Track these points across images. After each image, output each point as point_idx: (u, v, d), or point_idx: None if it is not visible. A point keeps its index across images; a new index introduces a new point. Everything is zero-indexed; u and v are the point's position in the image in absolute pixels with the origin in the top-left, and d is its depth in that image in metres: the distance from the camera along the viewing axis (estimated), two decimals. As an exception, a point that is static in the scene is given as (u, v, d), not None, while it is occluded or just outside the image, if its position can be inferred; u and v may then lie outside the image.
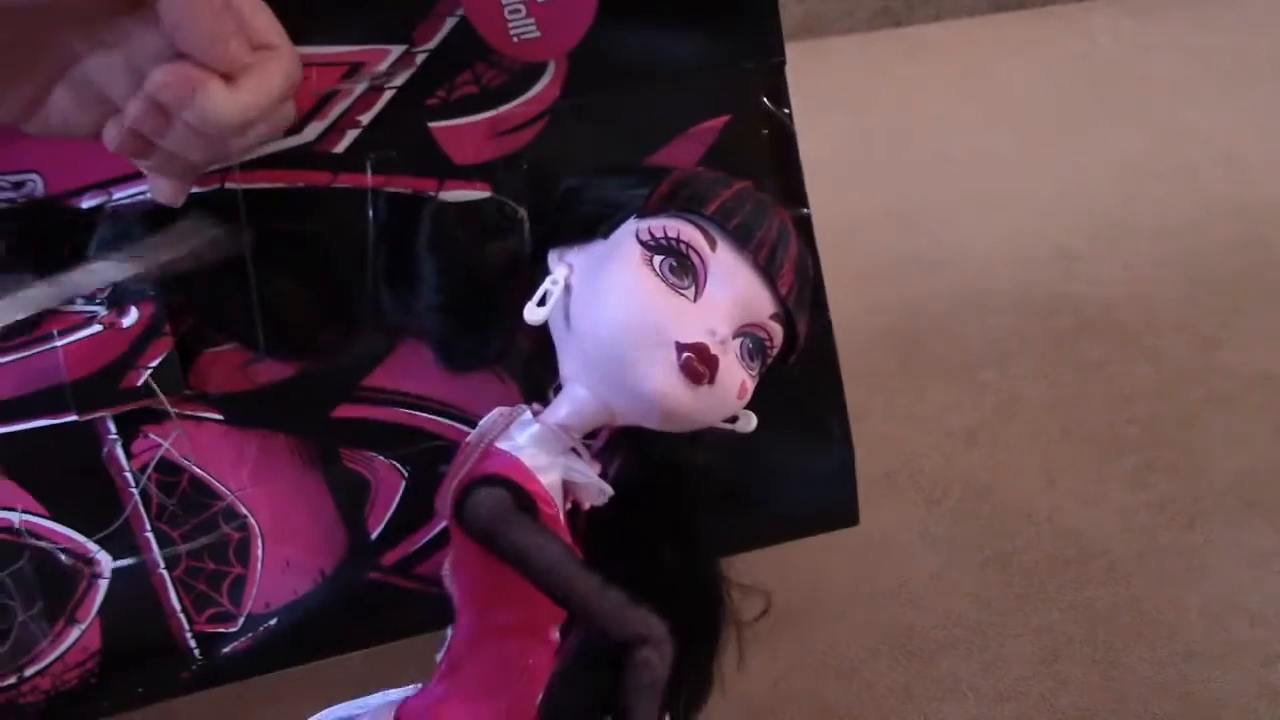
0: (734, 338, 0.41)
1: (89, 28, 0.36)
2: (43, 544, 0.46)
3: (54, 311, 0.44)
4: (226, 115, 0.36)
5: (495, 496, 0.39)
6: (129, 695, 0.48)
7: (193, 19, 0.34)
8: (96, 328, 0.44)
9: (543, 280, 0.43)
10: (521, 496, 0.39)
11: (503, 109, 0.46)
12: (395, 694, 0.43)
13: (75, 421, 0.45)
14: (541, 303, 0.42)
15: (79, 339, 0.44)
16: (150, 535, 0.47)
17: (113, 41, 0.36)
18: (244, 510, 0.47)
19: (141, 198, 0.44)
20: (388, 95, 0.45)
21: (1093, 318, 0.89)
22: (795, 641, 0.65)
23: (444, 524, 0.46)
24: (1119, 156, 1.09)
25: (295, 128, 0.44)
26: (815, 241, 0.49)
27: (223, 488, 0.47)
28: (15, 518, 0.46)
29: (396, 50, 0.45)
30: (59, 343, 0.44)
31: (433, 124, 0.46)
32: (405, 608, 0.49)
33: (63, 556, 0.46)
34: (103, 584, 0.46)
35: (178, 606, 0.47)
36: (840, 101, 1.17)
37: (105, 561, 0.46)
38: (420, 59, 0.45)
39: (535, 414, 0.43)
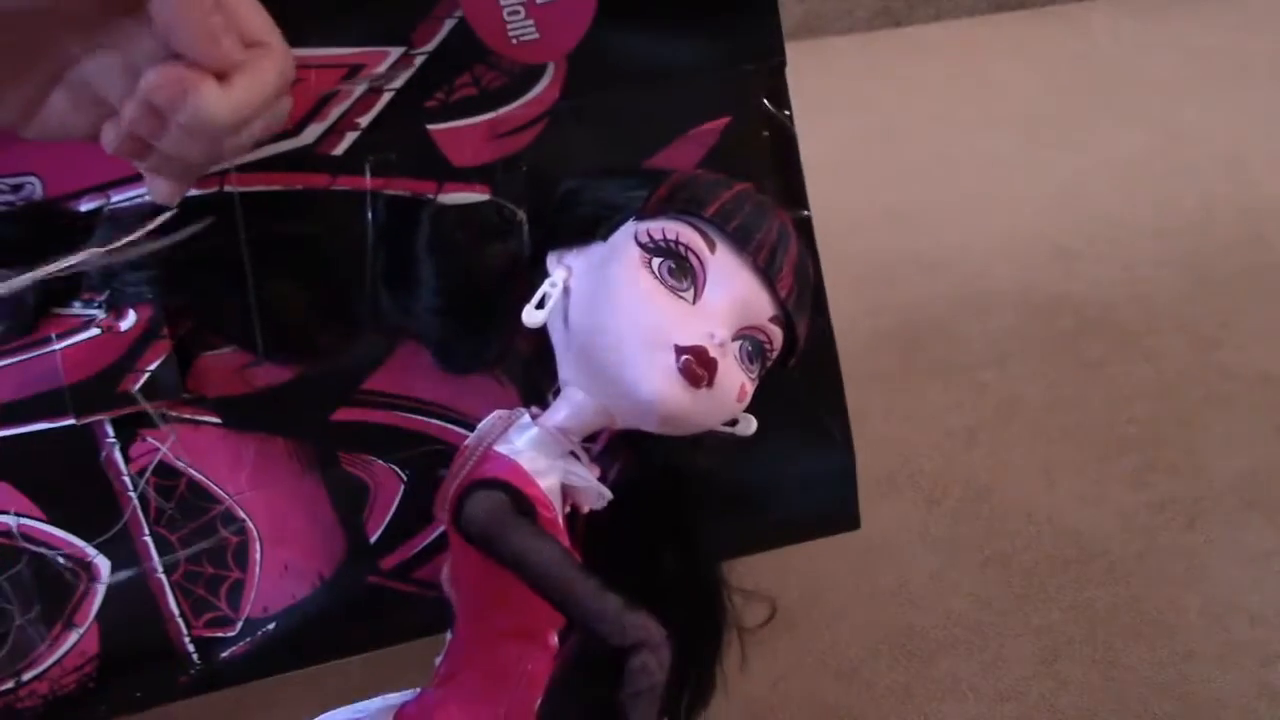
0: (733, 340, 0.41)
1: (86, 30, 0.36)
2: (40, 548, 0.46)
3: (52, 315, 0.44)
4: (220, 115, 0.36)
5: (493, 500, 0.39)
6: (127, 700, 0.48)
7: (184, 19, 0.34)
8: (94, 331, 0.44)
9: (541, 283, 0.42)
10: (520, 500, 0.39)
11: (502, 111, 0.46)
12: (394, 698, 0.43)
13: (73, 425, 0.45)
14: (540, 305, 0.42)
15: (77, 342, 0.44)
16: (148, 539, 0.47)
17: (109, 43, 0.36)
18: (242, 514, 0.47)
19: (140, 200, 0.44)
20: (386, 97, 0.45)
21: (1093, 318, 0.89)
22: (795, 641, 0.65)
23: (443, 528, 0.46)
24: (1119, 156, 1.09)
25: (294, 130, 0.44)
26: (815, 243, 0.49)
27: (221, 492, 0.47)
28: (13, 522, 0.45)
29: (395, 52, 0.44)
30: (57, 346, 0.44)
31: (432, 126, 0.45)
32: (404, 612, 0.49)
33: (61, 561, 0.46)
34: (100, 588, 0.46)
35: (176, 611, 0.47)
36: (840, 101, 1.17)
37: (103, 566, 0.46)
38: (419, 61, 0.45)
39: (534, 417, 0.42)
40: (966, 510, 0.73)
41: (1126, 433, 0.79)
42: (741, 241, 0.41)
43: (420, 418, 0.48)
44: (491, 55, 0.45)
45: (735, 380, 0.41)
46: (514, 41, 0.45)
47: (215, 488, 0.47)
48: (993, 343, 0.87)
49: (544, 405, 0.43)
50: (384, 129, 0.45)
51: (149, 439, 0.46)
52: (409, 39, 0.44)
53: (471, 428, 0.43)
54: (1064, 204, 1.03)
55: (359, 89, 0.45)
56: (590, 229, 0.43)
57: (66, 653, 0.47)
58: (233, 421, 0.46)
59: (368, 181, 0.45)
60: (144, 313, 0.44)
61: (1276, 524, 0.72)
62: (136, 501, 0.46)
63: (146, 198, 0.42)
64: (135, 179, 0.43)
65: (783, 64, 0.48)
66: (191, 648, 0.48)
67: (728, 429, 0.44)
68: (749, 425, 0.44)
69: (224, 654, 0.48)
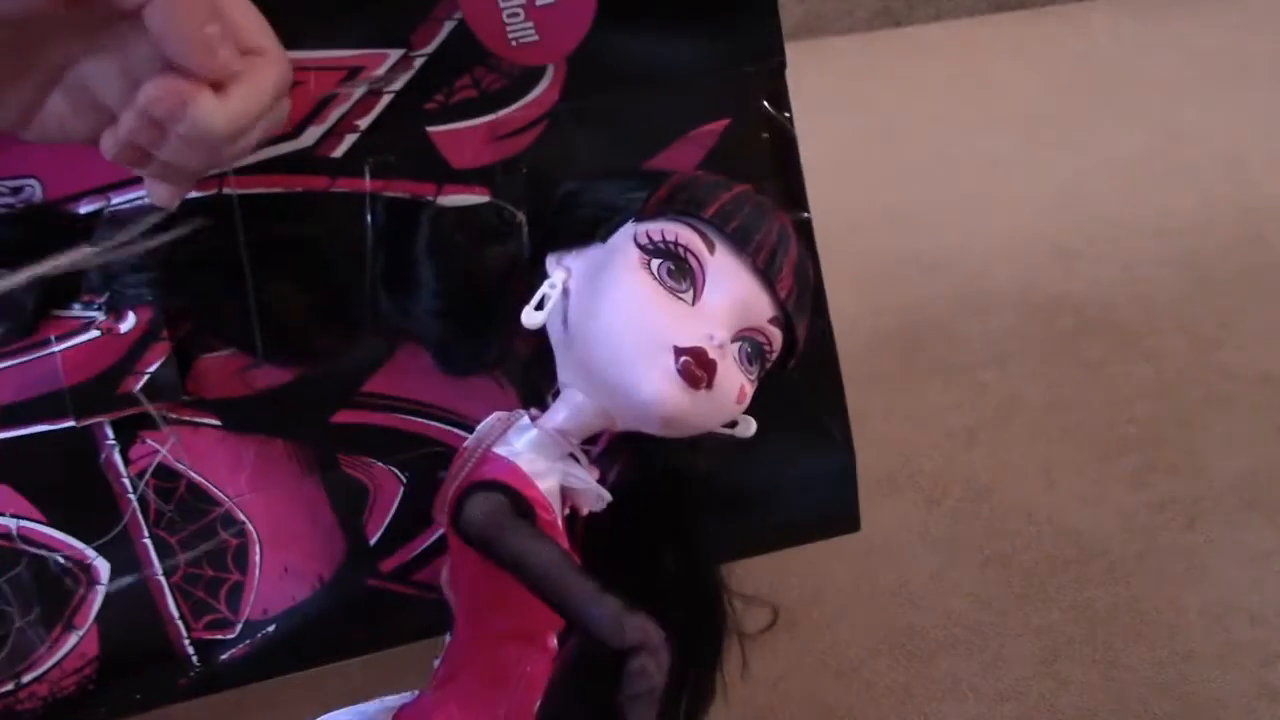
0: (732, 342, 0.41)
1: (84, 33, 0.36)
2: (40, 550, 0.46)
3: (52, 317, 0.44)
4: (219, 125, 0.36)
5: (492, 502, 0.39)
6: (127, 702, 0.48)
7: (177, 30, 0.34)
8: (94, 333, 0.44)
9: (541, 284, 0.42)
10: (519, 502, 0.39)
11: (501, 113, 0.46)
12: (393, 700, 0.43)
13: (73, 427, 0.45)
14: (539, 307, 0.42)
15: (76, 344, 0.44)
16: (148, 541, 0.47)
17: (108, 46, 0.36)
18: (242, 516, 0.47)
19: (139, 202, 0.44)
20: (386, 99, 0.45)
21: (1093, 318, 0.89)
22: (795, 641, 0.65)
23: (442, 530, 0.46)
24: (1119, 156, 1.09)
25: (293, 132, 0.44)
26: (815, 245, 0.49)
27: (220, 494, 0.47)
28: (12, 524, 0.45)
29: (395, 54, 0.44)
30: (57, 348, 0.44)
31: (431, 128, 0.45)
32: (403, 614, 0.49)
33: (60, 563, 0.46)
34: (100, 590, 0.46)
35: (175, 613, 0.47)
36: (840, 102, 1.17)
37: (103, 568, 0.46)
38: (418, 63, 0.45)
39: (533, 419, 0.42)
40: (966, 510, 0.73)
41: (1126, 433, 0.79)
42: (741, 243, 0.41)
43: (420, 420, 0.48)
44: (491, 57, 0.45)
45: (735, 382, 0.41)
46: (514, 43, 0.45)
47: (215, 490, 0.47)
48: (993, 343, 0.87)
49: (543, 407, 0.43)
50: (383, 131, 0.45)
51: (149, 441, 0.46)
52: (408, 41, 0.44)
53: (471, 430, 0.43)
54: (1064, 204, 1.03)
55: (358, 91, 0.45)
56: (590, 231, 0.43)
57: (66, 655, 0.47)
58: (232, 423, 0.46)
59: (367, 183, 0.45)
60: (144, 315, 0.44)
61: (1276, 524, 0.72)
62: (136, 504, 0.46)
63: (146, 200, 0.42)
64: (135, 182, 0.43)
65: (782, 65, 0.48)
66: (191, 650, 0.48)
67: (727, 431, 0.44)
68: (748, 427, 0.44)
69: (224, 656, 0.48)
